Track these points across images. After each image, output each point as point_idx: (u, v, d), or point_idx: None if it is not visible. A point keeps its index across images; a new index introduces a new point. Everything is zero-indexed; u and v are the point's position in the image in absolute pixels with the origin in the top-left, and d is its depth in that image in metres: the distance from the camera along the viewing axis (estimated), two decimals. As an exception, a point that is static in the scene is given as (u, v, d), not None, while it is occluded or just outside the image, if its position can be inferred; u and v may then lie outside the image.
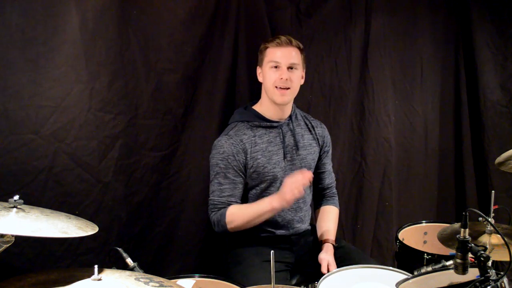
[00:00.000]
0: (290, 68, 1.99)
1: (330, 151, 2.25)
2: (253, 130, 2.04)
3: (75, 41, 1.99)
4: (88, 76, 2.03)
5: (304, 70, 2.10)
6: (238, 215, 1.94)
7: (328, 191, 2.24)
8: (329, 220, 2.15)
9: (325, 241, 2.04)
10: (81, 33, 1.99)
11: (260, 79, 2.08)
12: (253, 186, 2.04)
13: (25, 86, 1.92)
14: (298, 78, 2.03)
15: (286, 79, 1.97)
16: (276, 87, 1.98)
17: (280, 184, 2.02)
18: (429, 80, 2.89)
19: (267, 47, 2.02)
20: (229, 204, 1.97)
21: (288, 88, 1.99)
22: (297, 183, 1.81)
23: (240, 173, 1.99)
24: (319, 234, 2.11)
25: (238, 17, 2.35)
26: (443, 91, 2.94)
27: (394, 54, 2.78)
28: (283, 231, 2.07)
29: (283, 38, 2.01)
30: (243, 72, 2.38)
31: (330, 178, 2.24)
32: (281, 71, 1.98)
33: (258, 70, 2.09)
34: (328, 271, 1.86)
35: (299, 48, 2.03)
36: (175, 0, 2.20)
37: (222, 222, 1.94)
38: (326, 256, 1.95)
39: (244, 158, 1.99)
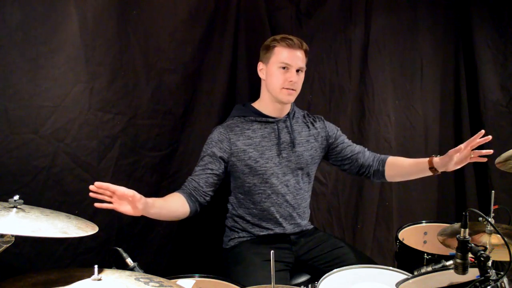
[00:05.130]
0: (298, 70, 2.00)
1: (342, 135, 2.20)
2: (248, 124, 2.05)
3: (75, 41, 1.99)
4: (88, 76, 2.03)
5: None
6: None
7: (371, 159, 2.14)
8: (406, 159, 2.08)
9: (430, 160, 1.95)
10: (81, 33, 1.99)
11: (261, 75, 2.07)
12: (246, 181, 2.04)
13: (25, 86, 1.92)
14: (302, 80, 2.05)
15: (295, 82, 1.99)
16: (283, 88, 1.99)
17: (276, 180, 2.04)
18: (429, 80, 2.89)
19: (275, 45, 2.00)
20: (189, 190, 1.93)
21: (295, 90, 2.01)
22: None
23: (215, 161, 1.97)
24: (418, 163, 2.02)
25: (238, 17, 2.35)
26: (443, 91, 2.94)
27: (394, 54, 2.78)
28: (282, 228, 2.07)
29: (295, 40, 1.99)
30: (243, 72, 2.38)
31: (364, 152, 2.16)
32: (290, 73, 1.98)
33: (260, 65, 2.07)
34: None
35: (306, 51, 2.04)
36: (175, 0, 2.20)
37: None
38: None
39: (228, 147, 2.00)
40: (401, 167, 2.11)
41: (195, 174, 1.98)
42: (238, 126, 2.04)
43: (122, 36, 2.10)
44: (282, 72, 1.99)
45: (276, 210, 2.06)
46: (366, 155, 2.16)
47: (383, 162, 2.12)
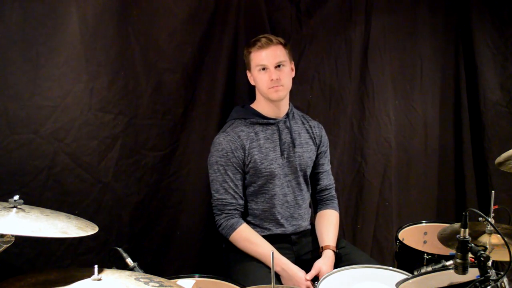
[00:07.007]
0: (277, 66, 2.01)
1: (328, 152, 2.25)
2: (250, 127, 2.06)
3: (75, 41, 1.99)
4: (88, 76, 2.03)
5: (292, 62, 2.12)
6: (243, 238, 1.98)
7: (327, 192, 2.23)
8: (329, 225, 2.13)
9: (326, 248, 2.03)
10: (81, 33, 1.99)
11: (252, 82, 2.12)
12: (251, 183, 2.04)
13: (25, 86, 1.92)
14: (287, 73, 2.06)
15: (277, 79, 2.00)
16: (268, 88, 2.01)
17: (278, 181, 2.03)
18: (429, 80, 2.89)
19: (250, 52, 2.05)
20: (238, 208, 2.00)
21: (281, 86, 2.02)
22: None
23: (239, 170, 2.01)
24: (319, 239, 2.10)
25: (238, 17, 2.35)
26: (443, 91, 2.94)
27: (394, 54, 2.78)
28: (283, 229, 2.07)
29: (263, 39, 2.02)
30: (242, 72, 2.37)
31: (328, 179, 2.24)
32: (269, 72, 2.01)
33: (248, 74, 2.12)
34: (314, 279, 1.89)
35: (281, 43, 2.05)
36: (175, 0, 2.20)
37: (227, 231, 1.99)
38: (321, 264, 1.94)
39: (242, 154, 2.01)
40: (317, 223, 2.18)
41: (232, 194, 2.00)
42: (242, 131, 2.04)
43: (122, 36, 2.10)
44: (262, 74, 2.02)
45: (277, 211, 2.06)
46: (328, 184, 2.23)
47: (319, 208, 2.22)
